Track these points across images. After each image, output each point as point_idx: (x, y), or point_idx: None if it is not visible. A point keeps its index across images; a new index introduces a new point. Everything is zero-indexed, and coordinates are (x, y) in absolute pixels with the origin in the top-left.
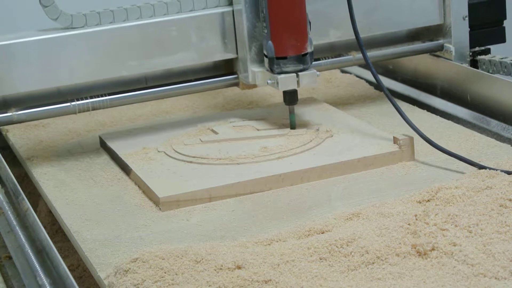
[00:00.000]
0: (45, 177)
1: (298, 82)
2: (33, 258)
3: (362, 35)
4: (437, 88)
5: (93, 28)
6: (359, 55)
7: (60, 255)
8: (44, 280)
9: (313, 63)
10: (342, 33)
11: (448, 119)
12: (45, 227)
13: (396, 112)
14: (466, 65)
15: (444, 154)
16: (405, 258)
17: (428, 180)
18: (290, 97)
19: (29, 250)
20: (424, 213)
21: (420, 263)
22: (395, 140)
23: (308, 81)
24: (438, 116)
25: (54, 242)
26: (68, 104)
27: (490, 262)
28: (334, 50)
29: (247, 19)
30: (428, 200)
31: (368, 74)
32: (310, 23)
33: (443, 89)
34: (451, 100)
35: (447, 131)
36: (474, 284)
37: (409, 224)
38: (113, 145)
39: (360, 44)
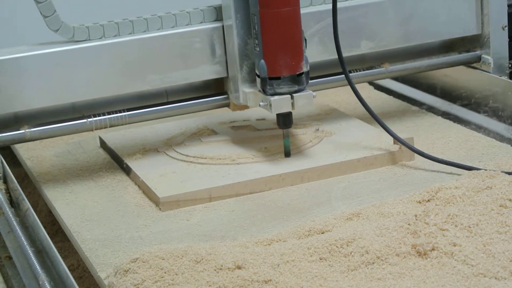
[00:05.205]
0: (45, 177)
1: (293, 104)
2: (33, 258)
3: (396, 45)
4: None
5: (111, 40)
6: (392, 67)
7: (60, 255)
8: (44, 280)
9: (339, 76)
10: (375, 44)
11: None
12: (45, 227)
13: (398, 113)
14: (505, 78)
15: (444, 154)
16: (405, 258)
17: (428, 180)
18: (284, 120)
19: (29, 250)
20: (424, 213)
21: (420, 263)
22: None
23: (304, 102)
24: (439, 116)
25: (54, 242)
26: (85, 120)
27: (490, 262)
28: (364, 62)
29: (238, 35)
30: (428, 200)
31: None
32: (305, 40)
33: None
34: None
35: (447, 131)
36: (474, 284)
37: (409, 224)
38: (113, 145)
39: (341, 60)
